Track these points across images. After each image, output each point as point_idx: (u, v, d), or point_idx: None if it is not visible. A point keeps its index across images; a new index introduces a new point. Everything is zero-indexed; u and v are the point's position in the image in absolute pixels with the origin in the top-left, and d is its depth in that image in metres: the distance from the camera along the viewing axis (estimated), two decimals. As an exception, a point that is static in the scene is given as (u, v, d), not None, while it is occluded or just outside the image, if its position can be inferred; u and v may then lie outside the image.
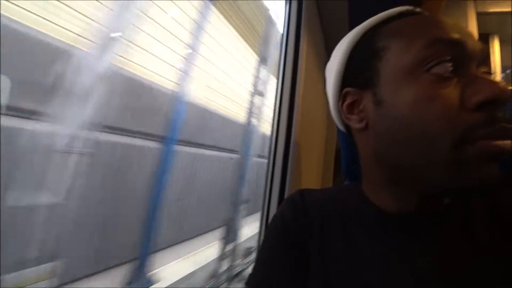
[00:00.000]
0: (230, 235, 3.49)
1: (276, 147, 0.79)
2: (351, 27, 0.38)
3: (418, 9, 0.35)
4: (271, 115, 0.84)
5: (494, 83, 0.27)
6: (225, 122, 3.59)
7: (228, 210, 3.51)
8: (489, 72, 0.31)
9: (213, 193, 3.28)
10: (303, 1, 0.90)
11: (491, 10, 1.99)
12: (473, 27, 1.90)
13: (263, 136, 4.25)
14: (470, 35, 0.30)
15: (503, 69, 2.76)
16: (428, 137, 0.28)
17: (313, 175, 0.99)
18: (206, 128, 3.15)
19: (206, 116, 3.12)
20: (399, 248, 0.33)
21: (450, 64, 0.28)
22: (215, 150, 3.41)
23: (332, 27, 1.10)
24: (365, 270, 0.33)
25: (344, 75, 0.37)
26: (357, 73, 0.35)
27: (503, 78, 2.99)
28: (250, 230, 4.06)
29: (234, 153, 3.61)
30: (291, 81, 0.80)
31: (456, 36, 0.29)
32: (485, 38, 2.12)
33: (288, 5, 0.92)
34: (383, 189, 0.36)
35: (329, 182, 1.19)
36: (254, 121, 3.85)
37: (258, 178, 4.02)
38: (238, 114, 3.95)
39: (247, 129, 3.76)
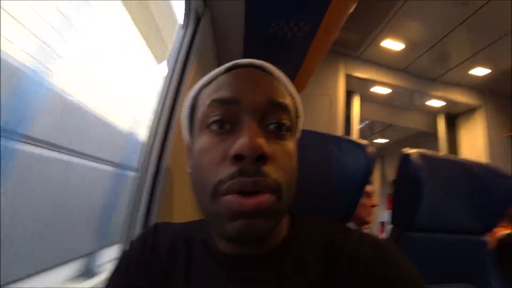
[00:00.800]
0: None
1: (146, 175, 0.70)
2: (245, 56, 0.40)
3: (247, 62, 0.35)
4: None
5: (250, 139, 0.27)
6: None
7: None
8: (270, 123, 0.31)
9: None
10: (199, 26, 0.89)
11: (355, 74, 2.63)
12: (341, 85, 2.43)
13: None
14: (252, 93, 0.31)
15: (362, 120, 3.64)
16: (201, 187, 0.30)
17: (188, 208, 0.92)
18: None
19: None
20: None
21: (224, 120, 0.30)
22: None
23: (227, 52, 1.14)
24: None
25: (187, 124, 0.40)
26: (189, 124, 0.38)
27: (361, 128, 3.90)
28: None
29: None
30: (172, 104, 0.75)
31: (231, 95, 0.31)
32: (349, 95, 2.76)
33: (184, 28, 0.89)
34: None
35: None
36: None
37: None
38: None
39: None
